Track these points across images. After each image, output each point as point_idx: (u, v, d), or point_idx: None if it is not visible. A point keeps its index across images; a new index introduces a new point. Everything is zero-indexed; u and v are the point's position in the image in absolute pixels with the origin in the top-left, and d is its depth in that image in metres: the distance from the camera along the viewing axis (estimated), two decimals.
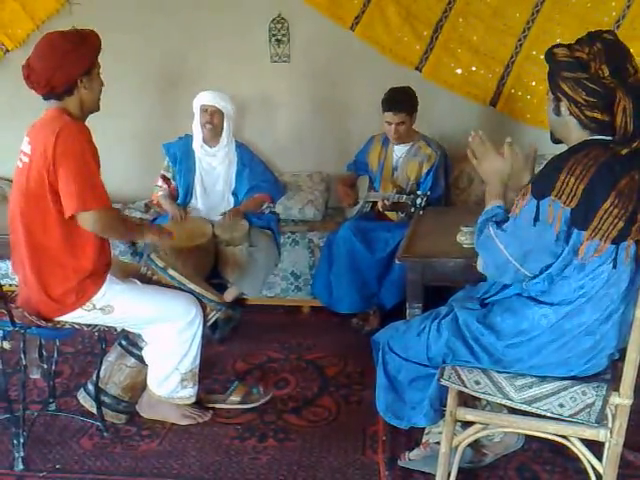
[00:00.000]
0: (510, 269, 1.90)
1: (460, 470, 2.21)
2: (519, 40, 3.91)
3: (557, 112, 1.93)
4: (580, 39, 1.89)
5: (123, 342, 2.77)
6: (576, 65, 1.83)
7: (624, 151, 1.79)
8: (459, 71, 4.01)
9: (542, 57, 4.11)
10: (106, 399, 2.74)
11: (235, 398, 2.88)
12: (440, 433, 2.18)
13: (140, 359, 2.71)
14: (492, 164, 2.08)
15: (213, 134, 3.63)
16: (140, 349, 2.70)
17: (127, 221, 2.62)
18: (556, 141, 2.03)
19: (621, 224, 1.76)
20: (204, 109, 3.59)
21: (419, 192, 3.33)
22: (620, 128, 1.80)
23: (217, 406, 2.87)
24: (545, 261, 1.87)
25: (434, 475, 2.19)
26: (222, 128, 3.64)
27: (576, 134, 1.90)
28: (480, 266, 2.02)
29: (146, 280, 2.68)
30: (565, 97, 1.87)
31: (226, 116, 3.62)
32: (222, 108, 3.59)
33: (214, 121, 3.59)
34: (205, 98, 3.59)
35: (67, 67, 2.35)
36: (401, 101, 3.50)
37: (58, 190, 2.33)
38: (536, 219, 1.81)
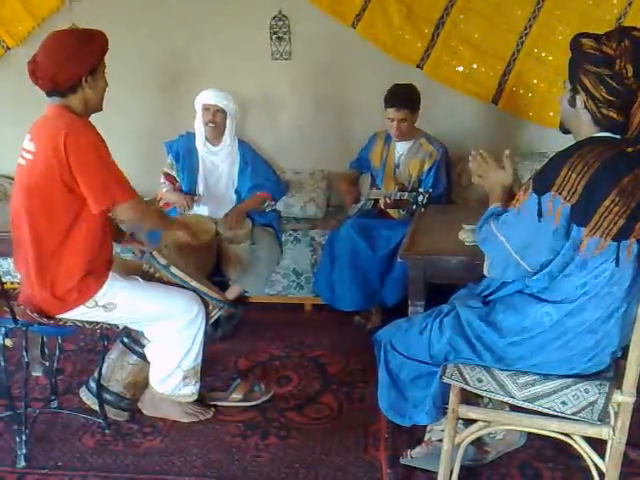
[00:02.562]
0: (512, 263, 1.90)
1: (462, 468, 2.22)
2: (520, 37, 3.91)
3: (572, 104, 1.91)
4: (609, 33, 1.85)
5: (125, 339, 2.77)
6: (601, 60, 1.80)
7: (630, 149, 1.78)
8: (460, 69, 4.01)
9: (544, 54, 4.14)
10: (108, 396, 2.74)
11: (237, 396, 2.88)
12: (442, 431, 2.18)
13: (142, 356, 2.72)
14: (496, 178, 2.16)
15: (215, 133, 3.63)
16: (142, 346, 2.70)
17: (158, 210, 2.70)
18: (565, 131, 2.02)
19: (622, 222, 1.75)
20: (206, 108, 3.58)
21: (421, 189, 3.33)
22: (634, 130, 1.80)
23: (219, 404, 2.87)
24: (544, 256, 1.87)
25: (436, 473, 2.19)
26: (224, 127, 3.63)
27: (586, 129, 1.89)
28: (486, 270, 2.02)
29: (148, 278, 2.68)
30: (584, 90, 1.85)
31: (229, 115, 3.61)
32: (224, 107, 3.58)
33: (216, 120, 3.58)
34: (207, 97, 3.58)
35: (73, 64, 2.35)
36: (404, 97, 3.50)
37: (72, 189, 2.33)
38: (540, 214, 1.81)
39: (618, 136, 1.84)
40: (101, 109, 2.53)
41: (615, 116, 1.82)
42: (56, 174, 2.32)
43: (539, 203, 1.81)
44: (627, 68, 1.79)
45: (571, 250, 1.82)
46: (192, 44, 4.21)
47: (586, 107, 1.86)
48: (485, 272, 2.03)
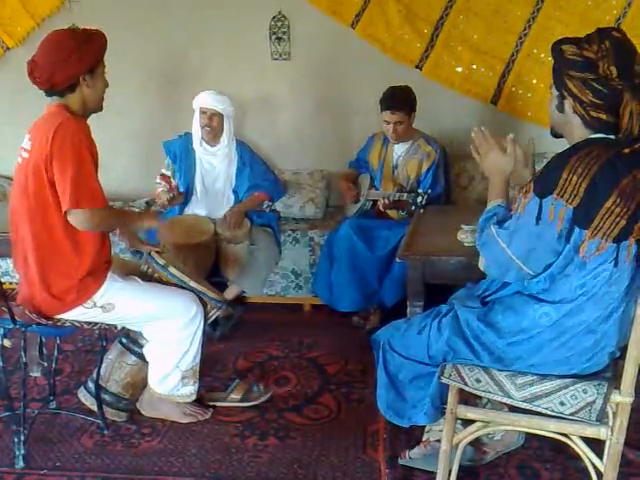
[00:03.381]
0: (513, 268, 1.90)
1: (461, 468, 2.22)
2: (520, 38, 3.92)
3: (561, 109, 1.91)
4: (589, 36, 1.85)
5: (124, 340, 2.77)
6: (584, 65, 1.81)
7: (626, 150, 1.78)
8: (460, 69, 4.01)
9: (543, 55, 4.14)
10: (106, 397, 2.74)
11: (236, 396, 2.88)
12: (441, 431, 2.18)
13: (141, 357, 2.71)
14: (495, 160, 2.08)
15: (212, 135, 3.63)
16: (141, 347, 2.70)
17: (119, 213, 2.63)
18: (556, 135, 2.02)
19: (623, 222, 1.75)
20: (203, 111, 3.57)
21: (420, 190, 3.33)
22: (625, 130, 1.80)
23: (218, 404, 2.87)
24: (548, 260, 1.86)
25: (435, 473, 2.19)
26: (222, 129, 3.63)
27: (579, 132, 1.89)
28: (482, 265, 2.02)
29: (147, 278, 2.68)
30: (570, 96, 1.85)
31: (225, 117, 3.61)
32: (221, 111, 3.57)
33: (213, 124, 3.58)
34: (204, 100, 3.57)
35: (70, 64, 2.35)
36: (399, 100, 3.49)
37: (55, 187, 2.33)
38: (539, 218, 1.81)
39: (612, 136, 1.84)
40: (101, 109, 2.52)
41: (605, 117, 1.82)
42: (43, 170, 2.32)
43: (540, 206, 1.81)
44: (611, 70, 1.79)
45: (572, 251, 1.82)
46: (192, 44, 4.21)
47: (575, 111, 1.86)
48: (481, 267, 2.02)
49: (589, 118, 1.84)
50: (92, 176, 2.36)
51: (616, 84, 1.79)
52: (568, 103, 1.87)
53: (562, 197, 1.77)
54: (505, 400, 1.98)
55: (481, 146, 2.11)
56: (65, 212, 2.34)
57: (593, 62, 1.80)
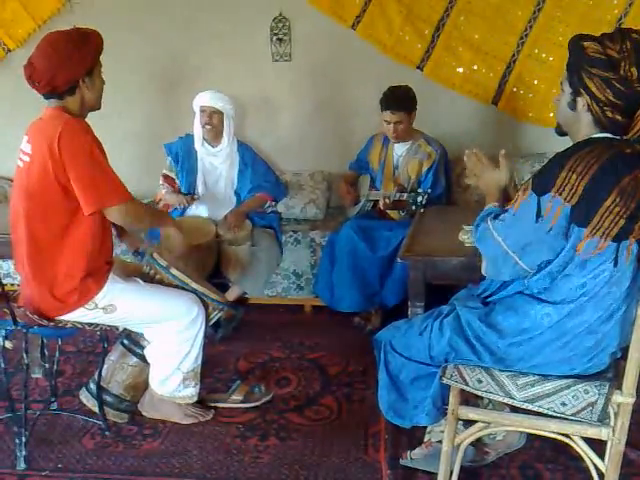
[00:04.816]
0: (509, 262, 1.90)
1: (462, 469, 2.21)
2: (521, 38, 3.92)
3: (572, 107, 1.89)
4: (610, 35, 1.83)
5: (125, 341, 2.77)
6: (607, 64, 1.79)
7: (628, 150, 1.78)
8: (460, 70, 4.02)
9: (544, 55, 4.13)
10: (108, 398, 2.74)
11: (237, 397, 2.88)
12: (442, 432, 2.18)
13: (142, 358, 2.71)
14: (492, 177, 2.15)
15: (213, 134, 3.64)
16: (142, 348, 2.70)
17: (152, 210, 2.68)
18: (561, 133, 2.02)
19: (622, 222, 1.75)
20: (202, 110, 3.59)
21: (420, 190, 3.33)
22: (635, 132, 1.79)
23: (219, 405, 2.87)
24: (543, 256, 1.86)
25: (436, 474, 2.19)
26: (222, 128, 3.64)
27: (586, 130, 1.88)
28: (483, 269, 2.02)
29: (148, 279, 2.68)
30: (588, 94, 1.83)
31: (226, 116, 3.62)
32: (221, 108, 3.59)
33: (213, 122, 3.59)
34: (203, 99, 3.59)
35: (69, 67, 2.35)
36: (399, 100, 3.49)
37: (67, 190, 2.33)
38: (537, 215, 1.81)
39: (617, 137, 1.84)
40: (99, 108, 2.52)
41: (620, 118, 1.81)
42: (51, 174, 2.32)
43: (538, 203, 1.81)
44: (632, 71, 1.78)
45: (571, 251, 1.82)
46: (193, 46, 4.22)
47: (589, 110, 1.85)
48: (483, 271, 2.02)
49: (604, 118, 1.83)
50: (109, 172, 2.38)
51: (637, 85, 1.77)
52: (582, 101, 1.86)
53: (560, 195, 1.77)
54: (506, 400, 1.98)
55: (475, 167, 2.18)
56: (91, 213, 2.35)
57: (616, 61, 1.78)
